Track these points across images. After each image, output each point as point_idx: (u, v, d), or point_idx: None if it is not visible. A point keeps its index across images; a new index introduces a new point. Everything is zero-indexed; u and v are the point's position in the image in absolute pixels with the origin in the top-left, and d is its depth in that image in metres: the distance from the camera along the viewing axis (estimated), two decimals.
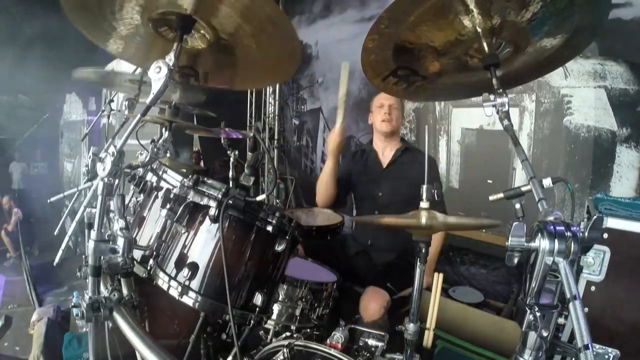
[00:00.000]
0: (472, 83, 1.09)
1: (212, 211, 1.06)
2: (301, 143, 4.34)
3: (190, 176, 1.14)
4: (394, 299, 1.74)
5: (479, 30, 0.91)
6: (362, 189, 2.14)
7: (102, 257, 0.89)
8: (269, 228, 1.11)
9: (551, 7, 0.85)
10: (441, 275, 1.48)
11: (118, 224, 0.92)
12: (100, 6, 0.98)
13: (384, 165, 2.09)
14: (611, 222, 1.38)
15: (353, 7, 3.76)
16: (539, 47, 0.96)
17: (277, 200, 4.32)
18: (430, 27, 0.93)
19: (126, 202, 1.33)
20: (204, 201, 1.10)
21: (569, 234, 0.64)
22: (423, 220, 1.08)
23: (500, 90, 0.89)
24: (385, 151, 2.11)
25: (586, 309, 1.18)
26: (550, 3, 0.84)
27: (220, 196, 1.08)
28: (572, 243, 0.64)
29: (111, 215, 0.98)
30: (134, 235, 1.27)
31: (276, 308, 1.52)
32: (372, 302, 1.68)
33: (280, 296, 1.53)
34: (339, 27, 3.87)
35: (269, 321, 1.49)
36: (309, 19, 4.19)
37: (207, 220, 1.09)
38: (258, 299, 1.13)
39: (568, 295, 0.61)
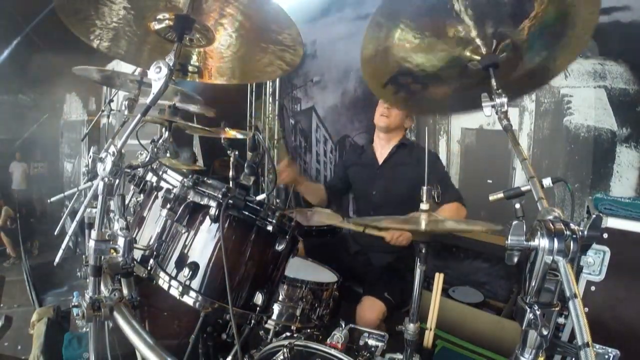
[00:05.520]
0: (473, 90, 1.09)
1: (212, 211, 1.07)
2: (296, 143, 4.32)
3: (190, 176, 1.14)
4: (391, 306, 1.73)
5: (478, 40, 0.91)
6: (358, 188, 2.10)
7: (102, 257, 0.90)
8: (269, 228, 1.11)
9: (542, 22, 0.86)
10: (441, 275, 1.48)
11: (118, 224, 0.92)
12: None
13: (380, 163, 2.04)
14: (611, 222, 1.37)
15: (349, 5, 3.72)
16: (536, 58, 0.96)
17: (277, 200, 4.32)
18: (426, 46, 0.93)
19: (126, 202, 1.33)
20: (204, 201, 1.10)
21: (568, 232, 0.64)
22: (422, 225, 1.07)
23: (499, 91, 0.89)
24: (384, 149, 2.05)
25: (586, 309, 1.18)
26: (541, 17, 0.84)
27: (220, 196, 1.08)
28: (572, 242, 0.64)
29: (111, 215, 0.98)
30: (134, 235, 1.28)
31: (276, 308, 1.52)
32: (368, 313, 1.68)
33: (281, 296, 1.53)
34: (337, 26, 3.83)
35: (269, 321, 1.49)
36: (307, 18, 4.15)
37: (207, 220, 1.10)
38: (258, 298, 1.13)
39: (568, 294, 0.61)
